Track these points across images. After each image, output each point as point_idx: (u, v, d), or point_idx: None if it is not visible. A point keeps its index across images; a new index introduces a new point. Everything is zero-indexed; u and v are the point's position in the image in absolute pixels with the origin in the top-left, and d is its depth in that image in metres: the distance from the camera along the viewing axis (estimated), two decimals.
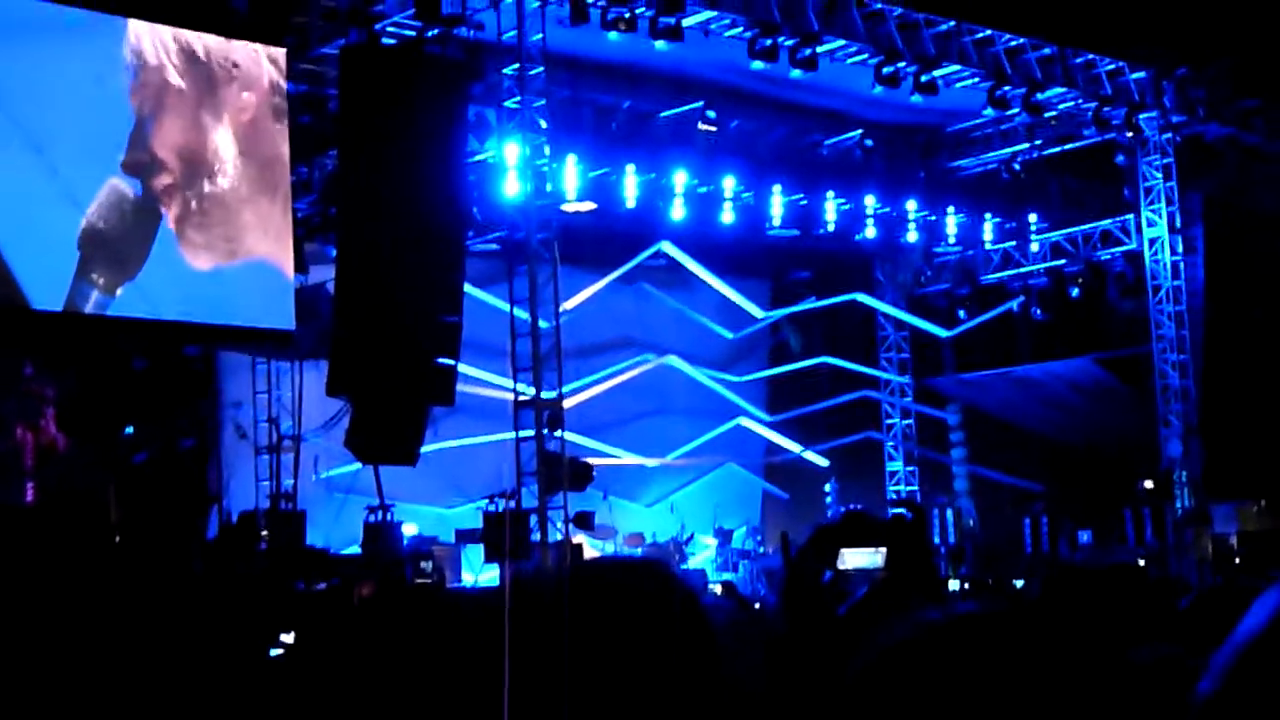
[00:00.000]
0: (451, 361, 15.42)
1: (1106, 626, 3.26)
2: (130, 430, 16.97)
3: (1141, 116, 20.81)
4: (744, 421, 24.03)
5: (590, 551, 18.01)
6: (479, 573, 17.88)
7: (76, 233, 14.45)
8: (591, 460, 17.65)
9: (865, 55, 18.39)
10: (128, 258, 14.71)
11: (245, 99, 15.75)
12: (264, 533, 16.74)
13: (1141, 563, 19.04)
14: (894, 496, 25.00)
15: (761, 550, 21.89)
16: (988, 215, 23.95)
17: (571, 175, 18.91)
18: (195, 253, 15.25)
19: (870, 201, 22.59)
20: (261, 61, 15.93)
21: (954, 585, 18.98)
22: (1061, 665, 1.74)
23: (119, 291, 14.63)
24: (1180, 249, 21.90)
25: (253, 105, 15.76)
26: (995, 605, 1.85)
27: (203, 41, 15.51)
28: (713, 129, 19.59)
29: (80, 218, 14.47)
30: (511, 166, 17.26)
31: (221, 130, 15.59)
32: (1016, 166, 22.48)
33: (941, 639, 1.78)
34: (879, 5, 18.32)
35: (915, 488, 25.12)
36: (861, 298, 24.59)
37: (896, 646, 1.79)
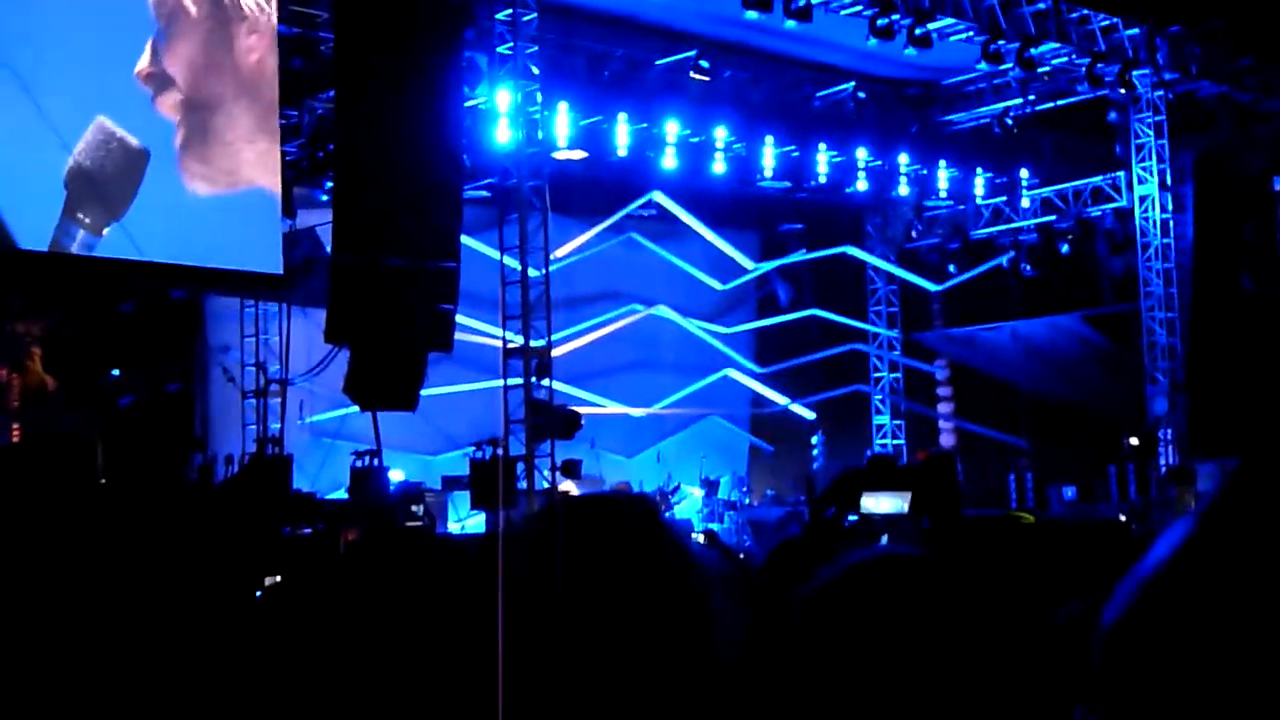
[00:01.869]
0: (451, 306, 15.40)
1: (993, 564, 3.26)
2: (116, 373, 16.94)
3: (1135, 73, 20.77)
4: (731, 373, 24.05)
5: None
6: (465, 519, 17.92)
7: (63, 172, 14.35)
8: (579, 409, 17.66)
9: (860, 7, 18.30)
10: (115, 198, 14.62)
11: (253, 41, 15.67)
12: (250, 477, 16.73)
13: (1123, 518, 19.13)
14: (879, 449, 25.07)
15: (747, 501, 21.95)
16: (979, 170, 23.94)
17: (563, 123, 18.85)
18: (195, 181, 15.19)
19: (862, 155, 22.56)
20: (265, 4, 15.86)
21: None
22: (968, 613, 1.76)
23: (105, 232, 14.54)
24: (1170, 207, 21.92)
25: (260, 48, 15.68)
26: (918, 550, 1.88)
27: None
28: (705, 79, 19.52)
29: (68, 157, 14.37)
30: (503, 113, 17.20)
31: (231, 67, 15.52)
32: (1009, 121, 22.42)
33: (863, 579, 1.80)
34: None
35: (902, 441, 25.20)
36: (852, 251, 24.58)
37: (825, 585, 1.82)
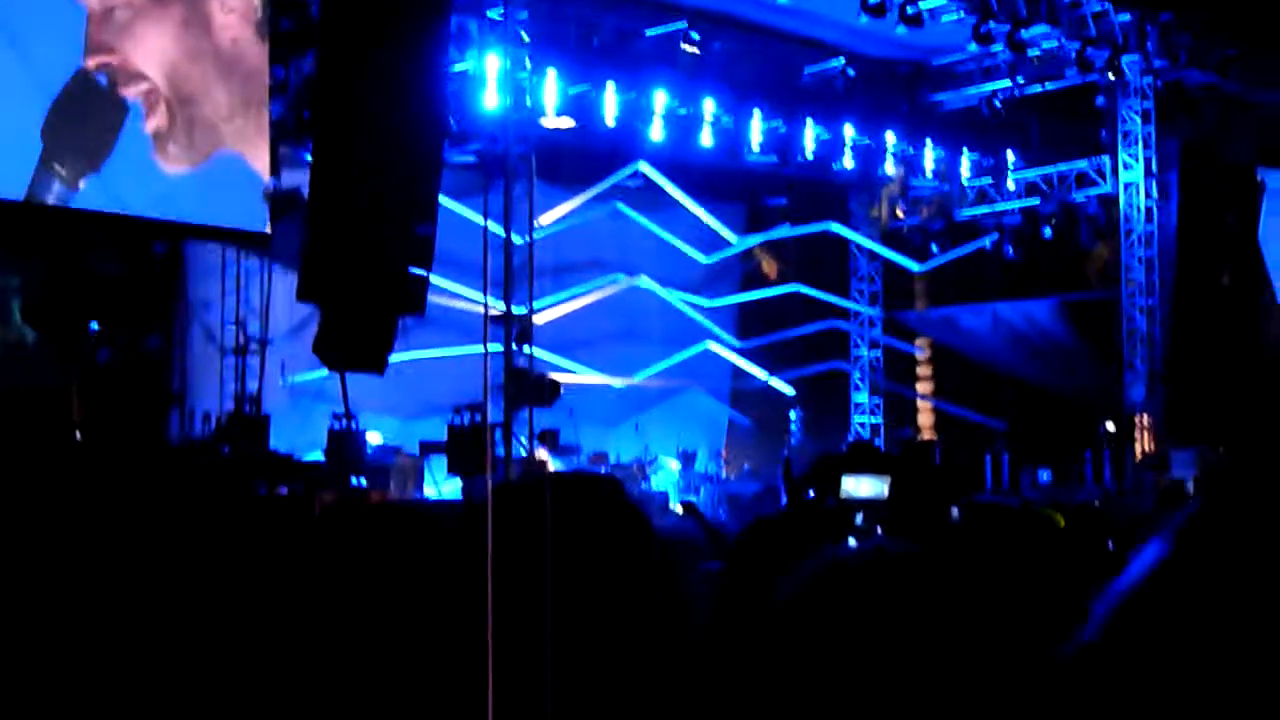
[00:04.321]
0: (424, 271, 15.36)
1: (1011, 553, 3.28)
2: (95, 327, 16.88)
3: (1124, 60, 20.78)
4: (712, 346, 24.06)
5: (553, 468, 18.05)
6: (442, 484, 17.92)
7: (40, 122, 14.23)
8: (558, 377, 17.66)
9: None
10: (91, 150, 14.52)
11: (230, 20, 15.54)
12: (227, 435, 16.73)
13: (1097, 504, 19.21)
14: (857, 428, 25.14)
15: (724, 475, 21.99)
16: (966, 151, 23.95)
17: (551, 91, 18.80)
18: (170, 162, 15.10)
19: (849, 132, 22.55)
20: None
21: None
22: (960, 609, 1.77)
23: (81, 184, 14.45)
24: (1155, 194, 21.97)
25: (235, 24, 15.55)
26: (907, 545, 1.89)
27: None
28: (695, 51, 19.48)
29: (46, 107, 14.25)
30: (492, 79, 17.15)
31: (210, 53, 15.38)
32: (997, 104, 22.43)
33: (849, 575, 1.81)
34: None
35: (880, 419, 25.26)
36: (836, 228, 24.58)
37: (810, 581, 1.82)
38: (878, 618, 1.78)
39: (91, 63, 14.55)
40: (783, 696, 1.80)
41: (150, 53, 14.92)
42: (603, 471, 20.01)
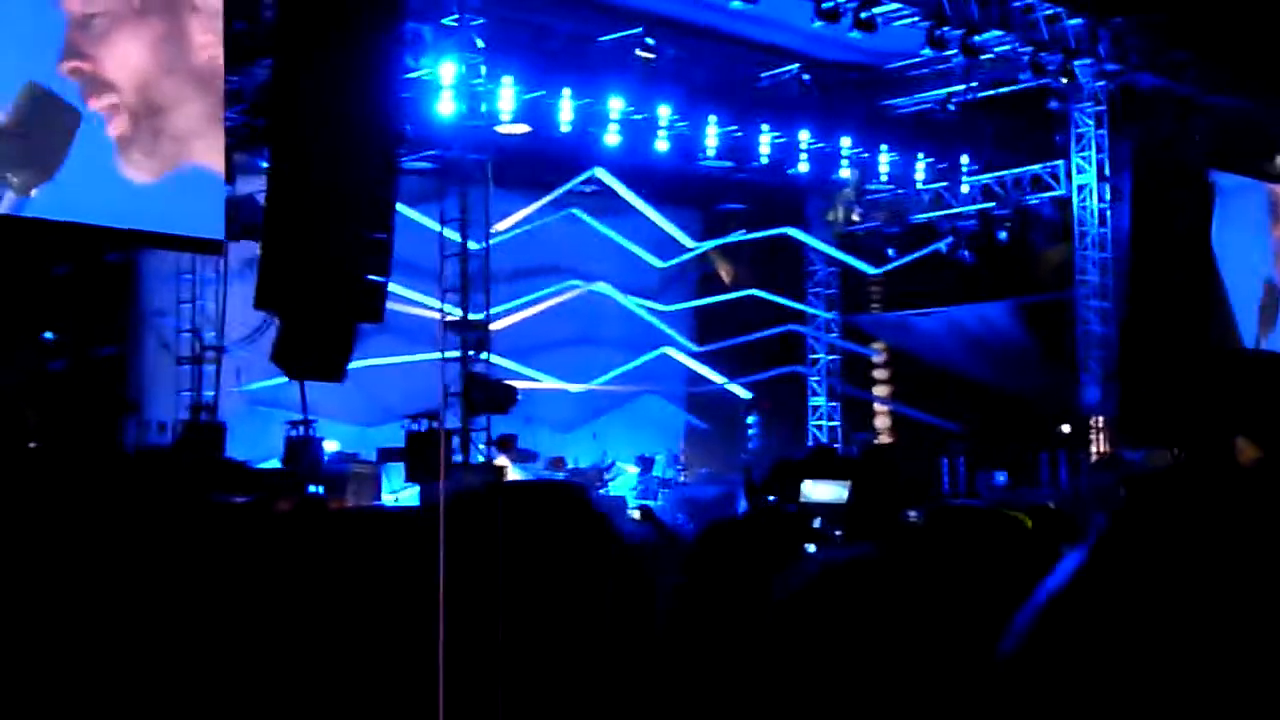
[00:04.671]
0: (381, 279, 15.33)
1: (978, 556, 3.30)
2: (49, 336, 16.77)
3: (1077, 63, 20.90)
4: (669, 351, 24.09)
5: (512, 474, 18.03)
6: (399, 490, 17.88)
7: None
8: (516, 384, 17.64)
9: None
10: (44, 160, 14.39)
11: (207, 39, 15.46)
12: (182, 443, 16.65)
13: (1052, 505, 19.29)
14: (814, 431, 25.20)
15: (682, 479, 22.01)
16: (920, 155, 24.05)
17: (507, 96, 18.78)
18: (135, 169, 14.98)
19: (804, 136, 22.61)
20: None
21: None
22: (937, 611, 1.80)
23: (34, 192, 14.32)
24: (1108, 196, 22.12)
25: (211, 44, 15.47)
26: (887, 550, 1.91)
27: None
28: (651, 56, 19.50)
29: None
30: (447, 85, 17.12)
31: (183, 69, 15.29)
32: (951, 107, 22.53)
33: (835, 582, 1.83)
34: None
35: (837, 423, 25.33)
36: (792, 232, 24.64)
37: (800, 589, 1.84)
38: (868, 619, 1.80)
39: (65, 67, 14.45)
40: (780, 694, 1.81)
41: (124, 62, 14.82)
42: (562, 478, 20.02)
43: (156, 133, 15.04)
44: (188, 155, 15.32)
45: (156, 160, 15.08)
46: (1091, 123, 22.02)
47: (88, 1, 14.69)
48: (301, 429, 16.62)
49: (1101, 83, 21.73)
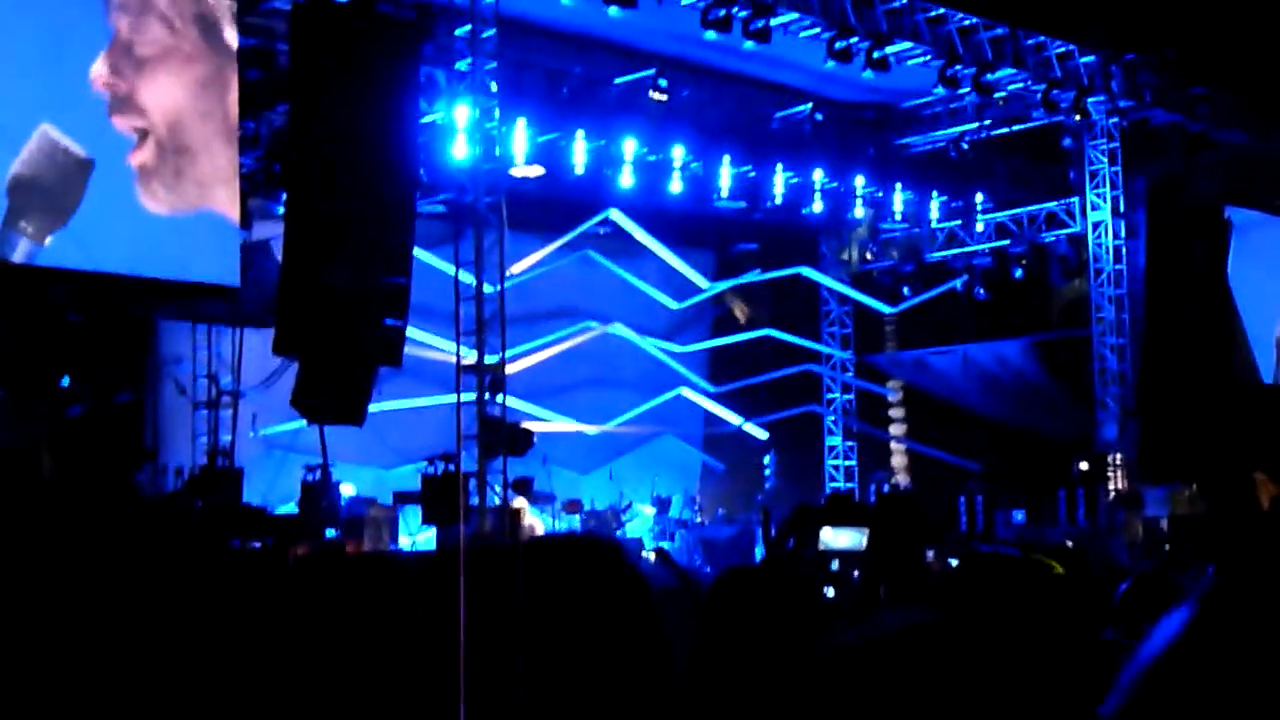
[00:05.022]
0: (400, 322, 15.34)
1: (1033, 620, 3.28)
2: (66, 382, 16.79)
3: (1090, 100, 20.92)
4: (685, 392, 24.07)
5: (529, 517, 17.99)
6: (416, 534, 17.85)
7: (5, 180, 14.14)
8: (531, 426, 17.62)
9: (818, 29, 18.35)
10: (59, 206, 14.42)
11: (231, 76, 15.56)
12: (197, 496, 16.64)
13: (1070, 544, 19.20)
14: (832, 472, 25.14)
15: (699, 520, 21.96)
16: (935, 193, 24.06)
17: (521, 139, 18.84)
18: (153, 201, 15.03)
19: (819, 176, 22.63)
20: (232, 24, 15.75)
21: None
22: (995, 675, 1.77)
23: (48, 240, 14.36)
24: (1123, 233, 22.10)
25: (234, 82, 15.57)
26: (929, 617, 1.88)
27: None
28: (664, 98, 19.55)
29: (11, 164, 14.16)
30: (461, 129, 17.18)
31: (221, 114, 15.38)
32: (965, 146, 22.54)
33: (888, 653, 1.80)
34: None
35: (854, 462, 25.27)
36: (807, 271, 24.64)
37: (845, 653, 1.81)
38: (931, 687, 1.77)
39: (98, 79, 14.52)
40: None
41: (161, 96, 14.91)
42: (578, 519, 19.99)
43: (179, 173, 15.10)
44: (208, 202, 15.38)
45: (176, 197, 15.13)
46: (1105, 159, 22.02)
47: (138, 29, 14.79)
48: (318, 473, 16.61)
49: (1115, 119, 21.74)
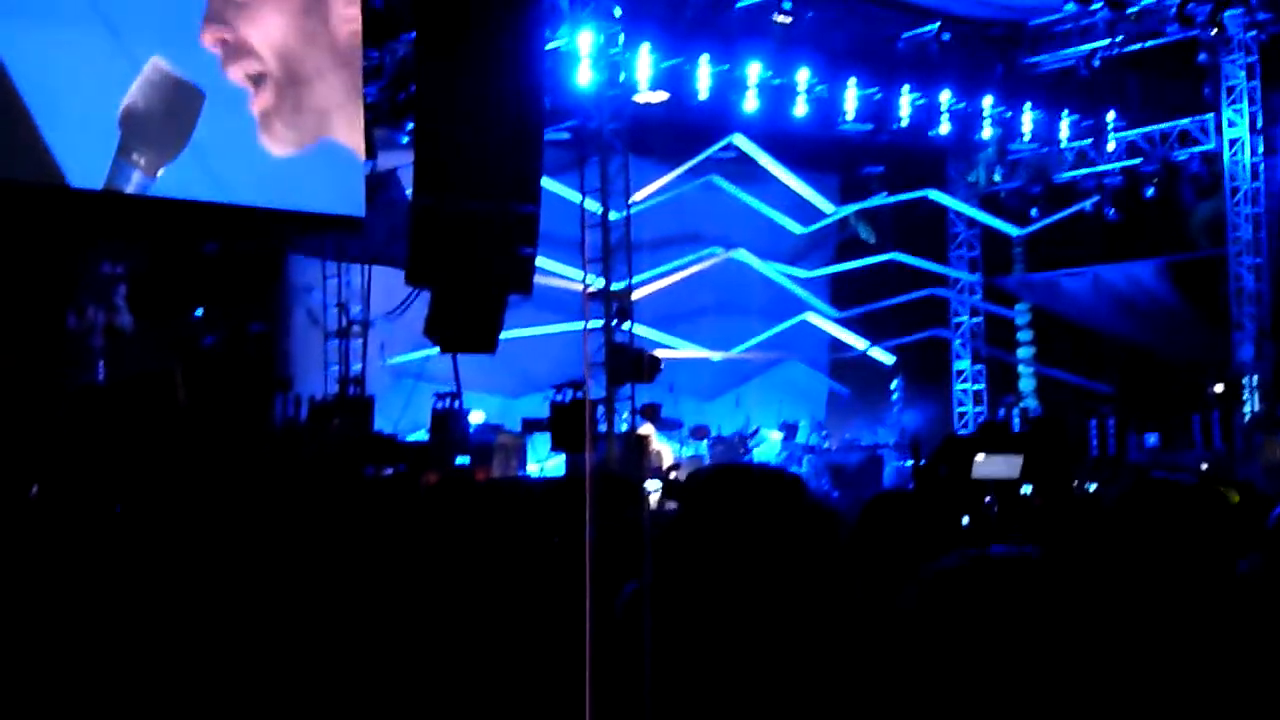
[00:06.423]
0: (530, 250, 15.42)
1: (1192, 542, 3.21)
2: (200, 313, 17.06)
3: (1226, 13, 20.36)
4: (810, 317, 23.97)
5: (657, 444, 18.06)
6: (544, 460, 17.99)
7: (118, 111, 14.25)
8: (658, 352, 17.65)
9: None
10: (167, 139, 14.54)
11: (350, 12, 15.61)
12: (334, 419, 16.86)
13: (1205, 467, 18.91)
14: (960, 397, 24.93)
15: (826, 445, 21.91)
16: (1064, 112, 23.60)
17: (644, 65, 18.73)
18: (275, 142, 15.15)
19: (945, 97, 22.28)
20: None
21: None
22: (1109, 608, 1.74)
23: (159, 173, 14.49)
24: (1261, 150, 21.55)
25: (354, 18, 15.62)
26: (1049, 551, 1.85)
27: None
28: (788, 20, 19.34)
29: (123, 96, 14.27)
30: (585, 55, 17.13)
31: (326, 42, 15.45)
32: (1096, 63, 22.05)
33: (982, 578, 1.78)
34: None
35: (982, 387, 25.04)
36: (933, 194, 24.35)
37: (943, 577, 1.79)
38: (1008, 616, 1.75)
39: (208, 38, 14.65)
40: (920, 675, 1.77)
41: (267, 33, 15.01)
42: (704, 444, 20.02)
43: (297, 105, 15.21)
44: (327, 130, 15.48)
45: (296, 133, 15.25)
46: (1243, 74, 21.42)
47: None
48: (448, 401, 16.76)
49: (1253, 32, 21.12)
